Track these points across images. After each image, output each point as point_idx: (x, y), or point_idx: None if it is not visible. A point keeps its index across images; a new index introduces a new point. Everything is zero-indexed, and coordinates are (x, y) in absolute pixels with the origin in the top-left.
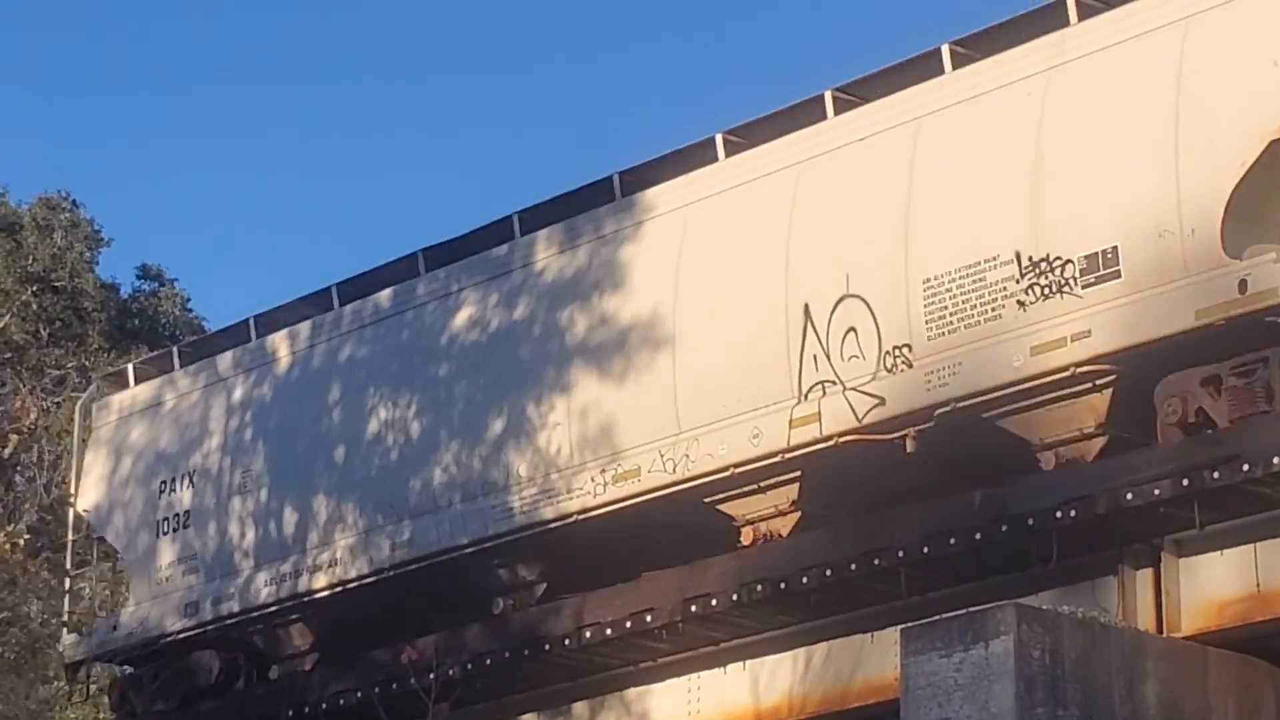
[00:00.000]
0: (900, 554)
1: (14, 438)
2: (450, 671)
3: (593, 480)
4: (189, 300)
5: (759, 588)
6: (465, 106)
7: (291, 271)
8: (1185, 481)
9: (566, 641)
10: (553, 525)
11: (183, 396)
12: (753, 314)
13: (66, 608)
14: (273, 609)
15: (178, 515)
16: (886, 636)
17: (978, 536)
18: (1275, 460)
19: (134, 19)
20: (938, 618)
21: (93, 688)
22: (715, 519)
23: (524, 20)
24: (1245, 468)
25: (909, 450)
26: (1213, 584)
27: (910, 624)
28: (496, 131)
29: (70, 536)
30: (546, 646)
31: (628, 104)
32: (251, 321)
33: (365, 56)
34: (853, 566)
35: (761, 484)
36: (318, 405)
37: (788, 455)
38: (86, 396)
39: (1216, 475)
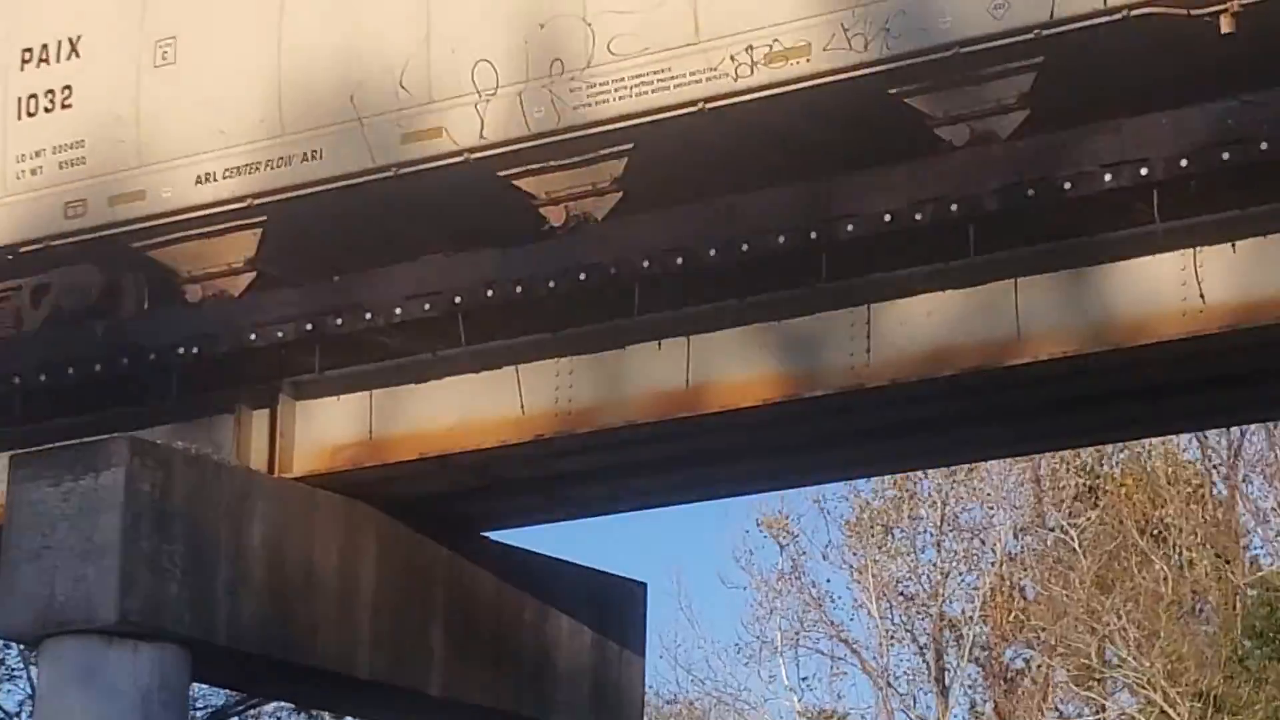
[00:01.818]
0: (16, 381)
1: None
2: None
3: None
4: None
5: None
6: None
7: None
8: (309, 326)
9: None
10: None
11: None
12: None
13: None
14: (199, 214)
15: (52, 92)
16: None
17: (98, 368)
18: (397, 311)
19: None
20: (48, 446)
21: None
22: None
23: None
24: (368, 316)
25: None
26: (327, 429)
27: (19, 451)
28: None
29: None
30: None
31: None
32: None
33: None
34: None
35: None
36: None
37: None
38: None
39: (340, 322)
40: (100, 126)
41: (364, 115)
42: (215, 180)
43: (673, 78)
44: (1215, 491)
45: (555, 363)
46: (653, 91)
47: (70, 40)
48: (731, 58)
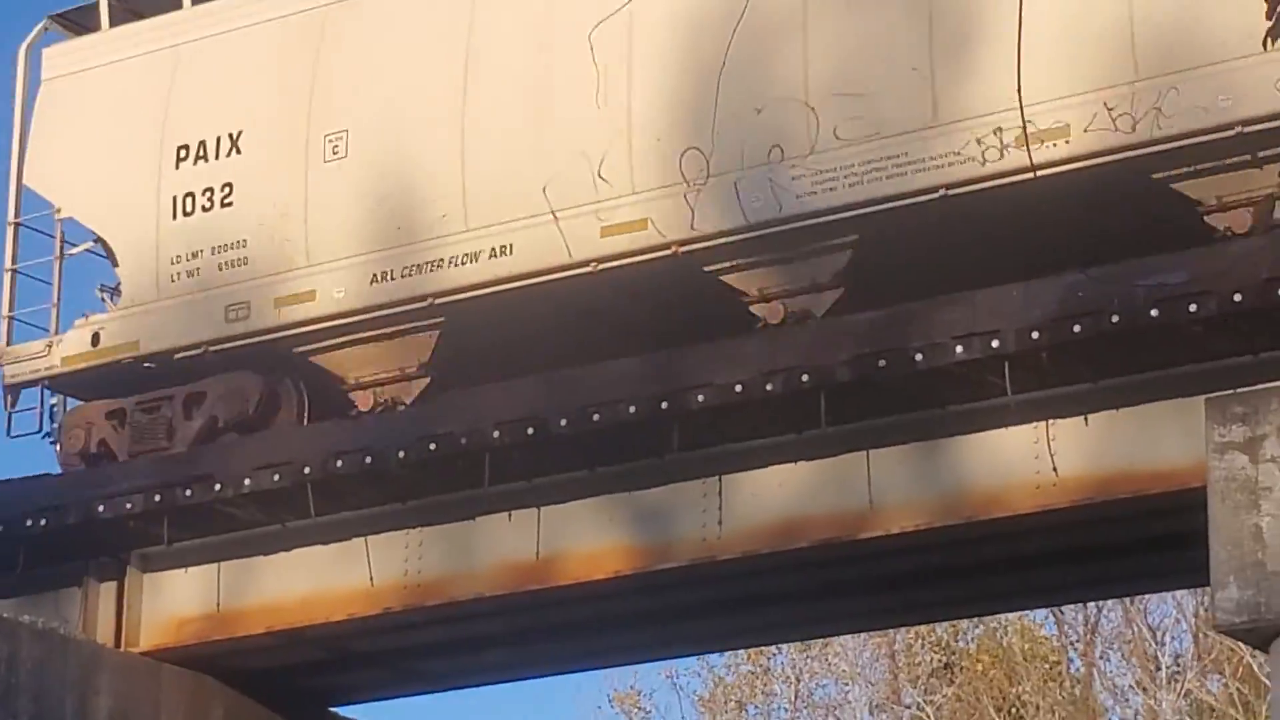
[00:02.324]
0: None
1: None
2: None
3: None
4: None
5: None
6: None
7: None
8: (158, 497)
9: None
10: None
11: (204, 36)
12: None
13: (5, 309)
14: (373, 316)
15: (211, 190)
16: None
17: None
18: (246, 481)
19: None
20: None
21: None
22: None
23: None
24: (217, 487)
25: None
26: (175, 601)
27: None
28: None
29: (12, 219)
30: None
31: None
32: None
33: None
34: None
35: None
36: (455, 41)
37: None
38: (33, 38)
39: (189, 493)
40: (264, 225)
41: (558, 208)
42: (392, 279)
43: (909, 163)
44: (1072, 668)
45: (405, 534)
46: (886, 178)
47: (230, 136)
48: (977, 140)
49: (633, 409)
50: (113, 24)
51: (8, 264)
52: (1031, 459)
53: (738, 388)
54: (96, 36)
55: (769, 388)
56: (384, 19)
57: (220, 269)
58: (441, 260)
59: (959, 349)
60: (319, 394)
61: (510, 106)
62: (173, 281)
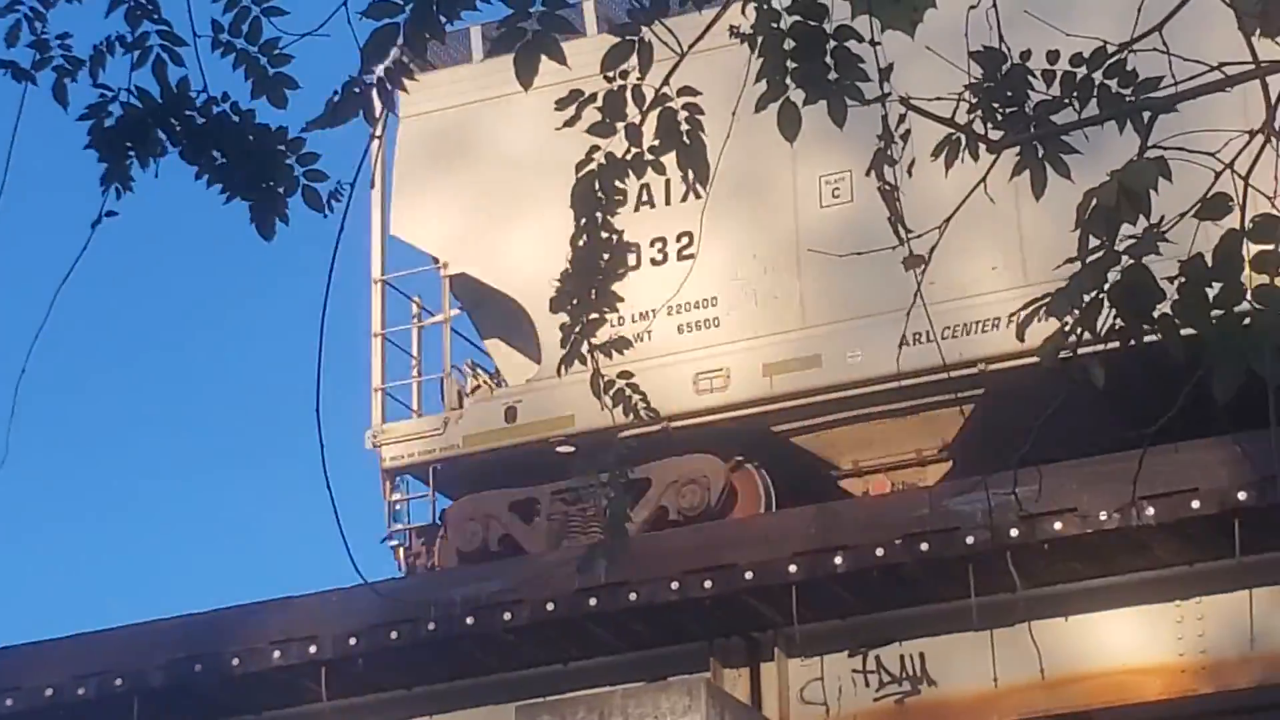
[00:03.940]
0: None
1: None
2: None
3: None
4: None
5: None
6: None
7: None
8: None
9: None
10: None
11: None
12: None
13: (377, 379)
14: (897, 386)
15: (662, 240)
16: None
17: None
18: None
19: None
20: None
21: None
22: None
23: None
24: None
25: None
26: None
27: None
28: None
29: (379, 276)
30: None
31: None
32: None
33: None
34: None
35: None
36: None
37: None
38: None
39: None
40: (741, 279)
41: None
42: (925, 342)
43: None
44: None
45: None
46: None
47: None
48: None
49: None
50: (487, 55)
51: (375, 328)
52: None
53: (48, 691)
54: (468, 69)
55: (80, 692)
56: None
57: (680, 331)
58: (994, 320)
59: (276, 654)
60: (789, 481)
61: None
62: None
